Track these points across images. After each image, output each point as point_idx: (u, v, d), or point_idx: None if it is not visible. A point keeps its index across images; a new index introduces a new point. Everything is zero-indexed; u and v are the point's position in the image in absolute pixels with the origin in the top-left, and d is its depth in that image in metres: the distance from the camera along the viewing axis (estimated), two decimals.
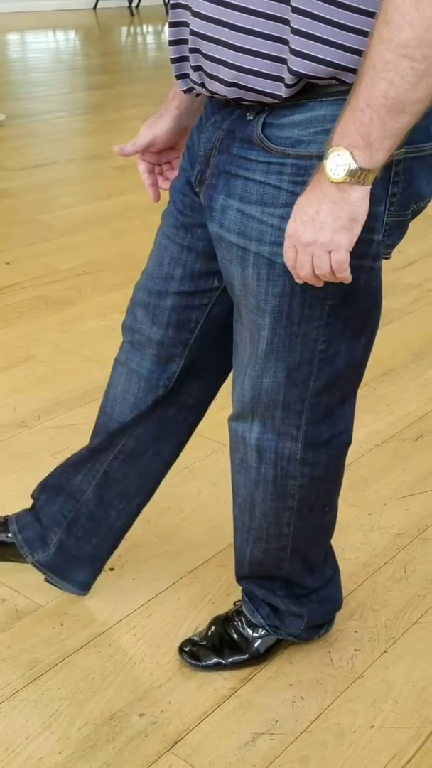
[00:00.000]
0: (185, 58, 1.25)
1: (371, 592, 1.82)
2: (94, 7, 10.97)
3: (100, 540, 1.71)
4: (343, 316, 1.30)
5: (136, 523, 1.66)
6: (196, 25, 1.17)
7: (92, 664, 1.64)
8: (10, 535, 1.74)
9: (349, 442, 1.48)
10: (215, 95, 1.23)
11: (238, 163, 1.24)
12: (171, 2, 1.24)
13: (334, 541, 1.68)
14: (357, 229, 1.13)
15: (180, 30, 1.24)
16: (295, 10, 1.08)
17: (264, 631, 1.63)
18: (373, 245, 1.24)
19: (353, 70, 1.10)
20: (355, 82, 1.07)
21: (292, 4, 1.08)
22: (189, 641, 1.66)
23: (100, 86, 6.84)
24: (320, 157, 1.13)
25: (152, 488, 1.69)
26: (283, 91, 1.15)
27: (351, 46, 1.10)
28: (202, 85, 1.23)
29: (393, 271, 3.46)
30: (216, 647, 1.63)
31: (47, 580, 1.74)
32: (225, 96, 1.20)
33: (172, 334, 1.50)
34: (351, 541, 1.96)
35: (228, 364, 1.50)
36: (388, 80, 1.02)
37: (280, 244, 1.22)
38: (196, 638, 1.66)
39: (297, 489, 1.46)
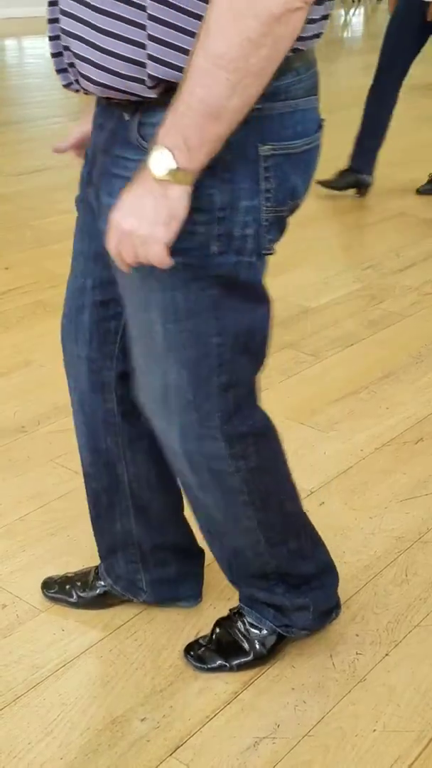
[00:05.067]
0: (62, 54, 1.25)
1: (372, 595, 1.82)
2: None
3: (174, 556, 1.72)
4: (231, 310, 1.30)
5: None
6: (64, 23, 1.18)
7: (93, 670, 1.64)
8: (105, 587, 1.75)
9: (268, 426, 1.47)
10: (87, 92, 1.24)
11: (117, 163, 1.25)
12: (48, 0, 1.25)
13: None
14: (175, 226, 1.15)
15: (55, 26, 1.24)
16: (150, 17, 1.09)
17: (266, 631, 1.63)
18: (248, 240, 1.24)
19: None
20: (179, 86, 1.08)
21: (148, 11, 1.09)
22: (195, 644, 1.66)
23: None
24: None
25: (169, 477, 1.65)
26: (147, 92, 1.15)
27: None
28: (77, 81, 1.24)
29: (391, 274, 3.47)
30: (220, 649, 1.63)
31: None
32: (95, 94, 1.21)
33: (96, 348, 1.49)
34: (352, 544, 1.96)
35: None
36: (206, 87, 1.05)
37: None
38: (201, 641, 1.66)
39: (241, 483, 1.45)
